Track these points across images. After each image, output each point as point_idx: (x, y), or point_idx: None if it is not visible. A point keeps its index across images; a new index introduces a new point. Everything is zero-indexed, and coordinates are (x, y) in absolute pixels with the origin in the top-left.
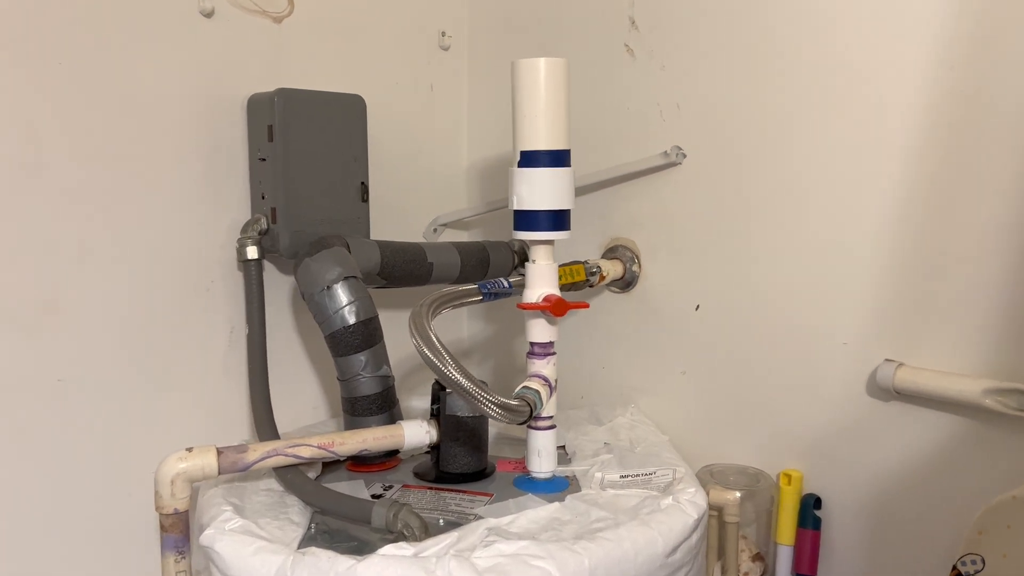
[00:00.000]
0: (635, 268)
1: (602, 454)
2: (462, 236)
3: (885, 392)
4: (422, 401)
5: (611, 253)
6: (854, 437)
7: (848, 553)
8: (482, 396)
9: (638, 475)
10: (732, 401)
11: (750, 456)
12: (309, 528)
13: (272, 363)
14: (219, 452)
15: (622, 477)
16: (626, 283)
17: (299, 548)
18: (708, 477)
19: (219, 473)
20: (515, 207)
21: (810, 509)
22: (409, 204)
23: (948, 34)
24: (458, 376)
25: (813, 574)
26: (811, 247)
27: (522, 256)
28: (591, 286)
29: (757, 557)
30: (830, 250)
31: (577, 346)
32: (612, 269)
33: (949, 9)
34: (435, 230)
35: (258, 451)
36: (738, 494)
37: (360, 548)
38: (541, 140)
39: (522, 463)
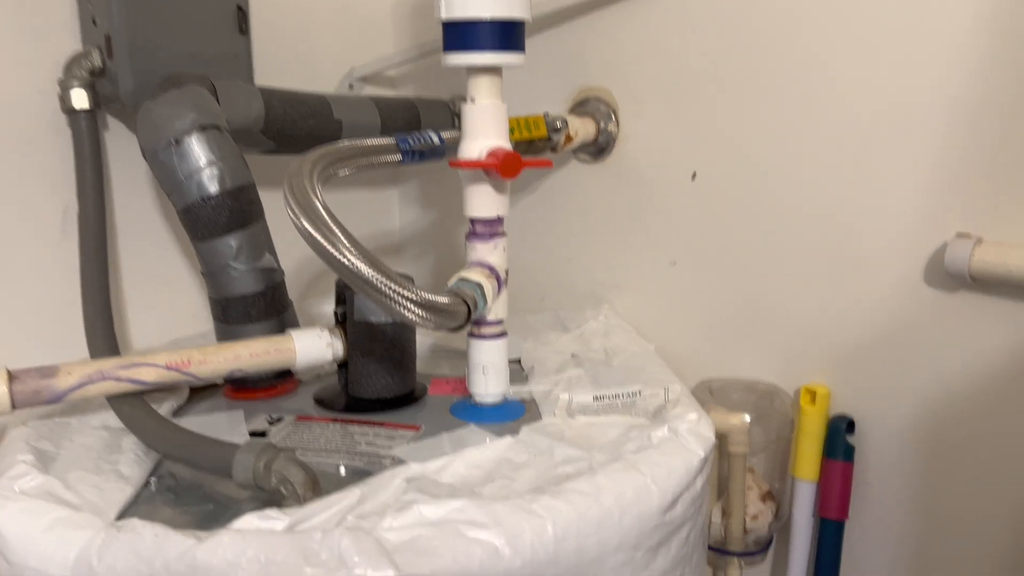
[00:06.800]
0: (611, 127)
1: (569, 369)
2: (387, 95)
3: (954, 278)
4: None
5: (580, 108)
6: (903, 341)
7: (888, 491)
8: (395, 291)
9: (617, 396)
10: (738, 299)
11: (761, 368)
12: (147, 484)
13: (132, 255)
14: (11, 377)
15: (596, 399)
16: (599, 148)
17: (120, 518)
18: (707, 396)
19: (13, 407)
20: (443, 16)
21: (841, 435)
22: (315, 51)
23: None
24: (357, 261)
25: (843, 517)
26: (850, 90)
27: None
28: (553, 149)
29: (768, 496)
30: (877, 95)
31: (535, 233)
32: (582, 128)
33: None
34: (350, 86)
35: (74, 374)
36: (747, 417)
37: (216, 514)
38: None
39: (463, 383)
